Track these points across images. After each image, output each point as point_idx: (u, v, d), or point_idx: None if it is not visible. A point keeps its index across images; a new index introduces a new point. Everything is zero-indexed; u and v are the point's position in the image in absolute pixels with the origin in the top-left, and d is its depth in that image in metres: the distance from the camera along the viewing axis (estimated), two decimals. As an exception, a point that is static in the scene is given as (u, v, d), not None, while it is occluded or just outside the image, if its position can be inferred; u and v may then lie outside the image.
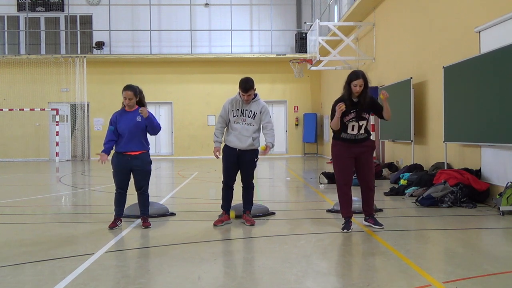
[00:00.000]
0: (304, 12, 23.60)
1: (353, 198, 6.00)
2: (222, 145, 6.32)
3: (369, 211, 5.92)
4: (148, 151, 6.18)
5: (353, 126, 5.71)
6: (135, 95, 6.04)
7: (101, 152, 6.05)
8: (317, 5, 21.80)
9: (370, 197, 5.90)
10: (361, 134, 5.77)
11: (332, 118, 5.79)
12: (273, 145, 6.24)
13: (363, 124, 5.74)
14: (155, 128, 6.08)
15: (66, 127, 22.36)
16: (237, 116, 6.15)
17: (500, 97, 7.19)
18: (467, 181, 7.58)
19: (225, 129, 6.35)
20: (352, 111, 5.68)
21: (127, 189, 6.17)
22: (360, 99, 5.70)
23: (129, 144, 5.99)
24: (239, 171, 6.31)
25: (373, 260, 4.59)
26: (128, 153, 6.01)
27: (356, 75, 5.65)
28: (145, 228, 6.04)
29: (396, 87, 11.64)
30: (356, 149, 5.76)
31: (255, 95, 6.20)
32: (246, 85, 6.03)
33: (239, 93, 6.14)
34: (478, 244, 5.37)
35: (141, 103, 6.16)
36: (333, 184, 10.62)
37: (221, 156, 6.28)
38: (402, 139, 11.44)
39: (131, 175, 6.13)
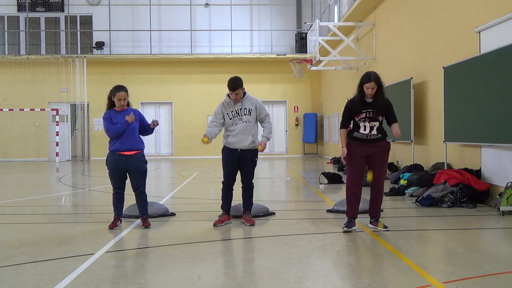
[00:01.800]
0: (304, 12, 23.60)
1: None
2: (221, 146, 6.32)
3: (376, 214, 5.85)
4: (143, 150, 6.19)
5: (364, 126, 5.68)
6: (127, 94, 6.07)
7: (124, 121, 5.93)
8: (317, 5, 21.81)
9: (378, 199, 5.84)
10: (373, 134, 5.70)
11: (343, 119, 5.80)
12: (268, 139, 6.22)
13: (374, 125, 5.69)
14: (146, 132, 6.14)
15: (66, 127, 22.36)
16: (234, 117, 6.15)
17: (500, 97, 7.19)
18: (467, 181, 7.58)
19: (221, 130, 6.32)
20: (363, 111, 5.66)
21: (124, 188, 6.17)
22: (376, 100, 5.64)
23: (123, 144, 5.99)
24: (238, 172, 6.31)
25: (373, 260, 4.59)
26: (123, 153, 6.01)
27: (368, 77, 5.60)
28: (145, 228, 6.04)
29: (396, 87, 11.64)
30: (369, 149, 5.71)
31: (244, 93, 6.21)
32: (234, 84, 6.03)
33: (228, 94, 6.15)
34: (478, 244, 5.37)
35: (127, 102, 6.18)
36: (333, 184, 10.69)
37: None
38: (402, 139, 11.43)
39: (127, 175, 6.13)
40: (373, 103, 5.66)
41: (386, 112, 5.74)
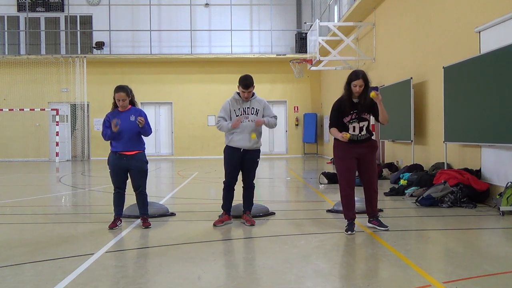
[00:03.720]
0: (304, 12, 23.60)
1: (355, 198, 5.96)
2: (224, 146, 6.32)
3: (373, 213, 5.86)
4: (144, 150, 6.20)
5: (354, 127, 5.68)
6: (128, 95, 6.06)
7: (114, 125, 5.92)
8: (317, 5, 21.81)
9: (373, 198, 5.84)
10: (362, 135, 5.73)
11: (331, 120, 5.79)
12: (266, 122, 6.21)
13: (364, 125, 5.71)
14: (145, 133, 6.13)
15: (66, 127, 22.35)
16: (240, 115, 6.16)
17: (500, 97, 7.19)
18: (467, 181, 7.58)
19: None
20: (352, 112, 5.66)
21: (125, 188, 6.18)
22: (360, 99, 5.66)
23: (125, 144, 6.01)
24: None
25: (373, 260, 4.59)
26: (125, 153, 6.02)
27: (356, 75, 5.60)
28: (145, 228, 6.04)
29: (396, 87, 11.64)
30: (359, 150, 5.72)
31: (253, 93, 6.22)
32: (247, 82, 6.05)
33: (238, 92, 6.17)
34: (478, 244, 5.37)
35: (132, 102, 6.18)
36: (333, 184, 10.67)
37: (237, 130, 6.16)
38: (402, 139, 11.44)
39: (128, 174, 6.14)
40: (359, 102, 5.65)
41: (372, 107, 5.71)
